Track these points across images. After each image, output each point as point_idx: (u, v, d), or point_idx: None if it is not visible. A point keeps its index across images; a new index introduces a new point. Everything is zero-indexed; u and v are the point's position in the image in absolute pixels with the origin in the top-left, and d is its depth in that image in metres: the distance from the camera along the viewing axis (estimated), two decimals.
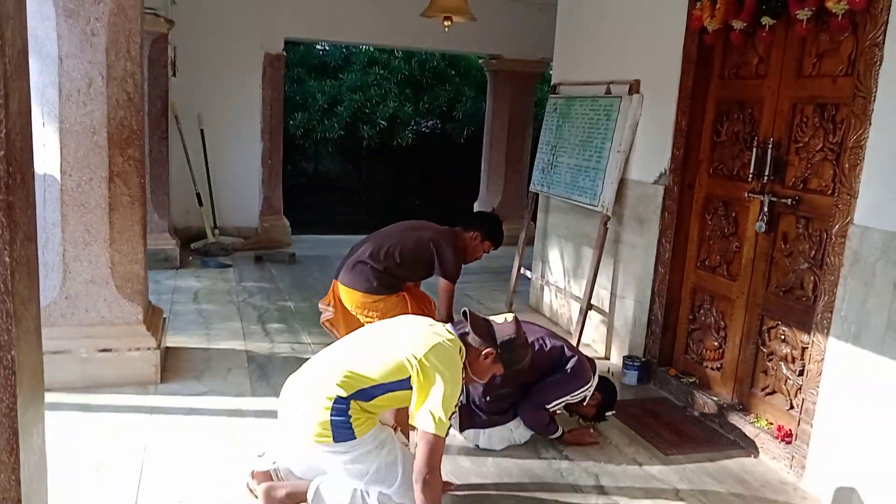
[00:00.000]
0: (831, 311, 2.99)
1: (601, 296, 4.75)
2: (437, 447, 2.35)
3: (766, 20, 3.39)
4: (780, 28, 3.40)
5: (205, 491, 2.80)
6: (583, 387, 3.29)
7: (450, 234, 3.98)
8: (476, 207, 9.10)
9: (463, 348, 2.55)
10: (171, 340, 4.46)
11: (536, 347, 3.31)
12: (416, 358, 2.40)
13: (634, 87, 4.44)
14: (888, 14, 2.81)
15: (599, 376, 3.42)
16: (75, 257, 3.74)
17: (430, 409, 2.36)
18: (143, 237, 3.93)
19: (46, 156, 3.59)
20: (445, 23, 3.64)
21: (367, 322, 3.79)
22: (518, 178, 8.60)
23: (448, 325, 2.65)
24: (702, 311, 4.02)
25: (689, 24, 3.93)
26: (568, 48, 5.43)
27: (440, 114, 11.83)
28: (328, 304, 4.06)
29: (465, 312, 2.66)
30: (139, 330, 3.89)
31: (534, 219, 5.87)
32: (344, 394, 2.38)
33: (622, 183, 4.53)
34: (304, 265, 7.01)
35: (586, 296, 4.65)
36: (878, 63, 2.84)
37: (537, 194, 5.66)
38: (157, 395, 3.69)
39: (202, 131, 7.35)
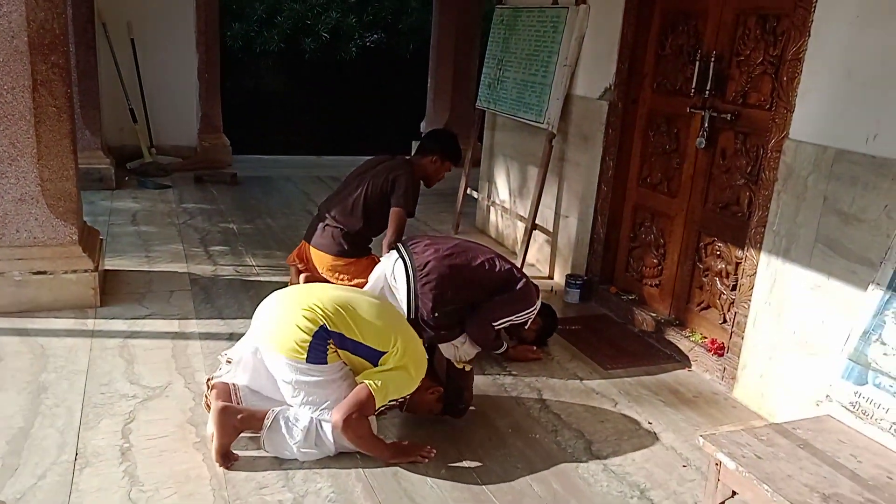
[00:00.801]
0: (764, 226, 3.08)
1: (546, 216, 4.79)
2: (368, 404, 2.45)
3: None
4: None
5: (150, 415, 2.79)
6: (528, 309, 3.35)
7: (403, 163, 3.94)
8: (423, 126, 8.97)
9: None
10: (110, 263, 4.35)
11: (486, 267, 3.34)
12: (400, 339, 2.56)
13: None
14: None
15: (542, 303, 3.49)
16: (2, 173, 3.57)
17: (383, 378, 2.48)
18: (73, 152, 3.76)
19: None
20: None
21: (337, 283, 3.81)
22: (466, 94, 8.45)
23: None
24: (643, 228, 4.10)
25: None
26: None
27: (385, 26, 11.44)
28: (295, 263, 4.03)
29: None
30: (75, 251, 3.78)
31: (480, 138, 5.82)
32: (330, 326, 2.46)
33: (568, 99, 4.50)
34: (246, 186, 6.85)
35: (531, 216, 4.68)
36: None
37: (484, 112, 5.59)
38: (98, 319, 3.62)
39: (132, 41, 6.96)
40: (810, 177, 2.87)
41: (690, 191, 3.72)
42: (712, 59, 3.46)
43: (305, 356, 2.44)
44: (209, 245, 4.99)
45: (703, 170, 3.62)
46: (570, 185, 4.59)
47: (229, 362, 2.73)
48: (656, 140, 3.96)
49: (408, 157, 4.07)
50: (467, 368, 2.88)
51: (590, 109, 4.33)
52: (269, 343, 2.53)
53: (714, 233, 3.58)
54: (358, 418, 2.45)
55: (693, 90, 3.57)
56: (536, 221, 4.72)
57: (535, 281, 3.53)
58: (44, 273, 3.68)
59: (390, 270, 3.33)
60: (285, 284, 4.14)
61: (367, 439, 2.52)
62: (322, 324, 2.46)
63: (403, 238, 3.63)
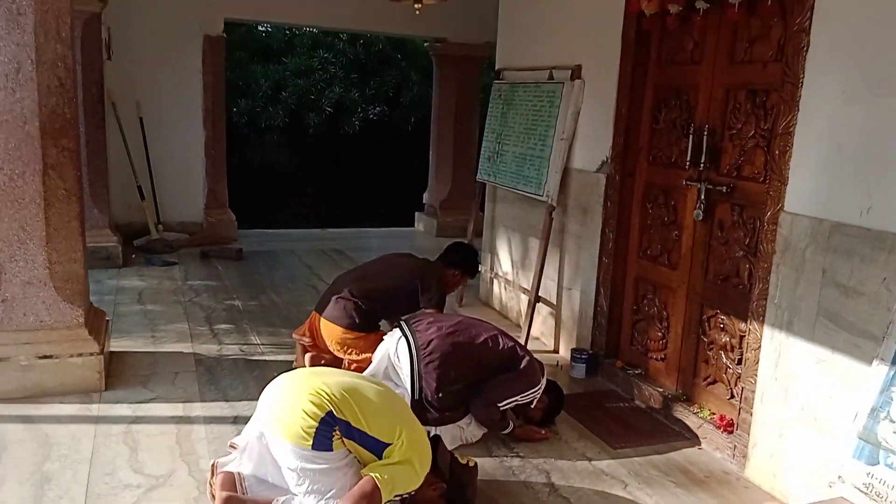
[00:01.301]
0: (765, 299, 3.09)
1: (549, 287, 4.81)
2: (374, 497, 2.41)
3: (700, 4, 3.45)
4: (713, 13, 3.47)
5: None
6: (533, 388, 3.34)
7: (432, 268, 4.16)
8: (426, 198, 9.10)
9: None
10: (116, 344, 4.36)
11: (490, 344, 3.35)
12: (408, 435, 2.55)
13: (576, 73, 4.47)
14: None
15: (547, 380, 3.48)
16: (10, 257, 3.61)
17: (390, 472, 2.45)
18: (81, 234, 3.81)
19: None
20: (416, 5, 3.61)
21: (345, 357, 3.84)
22: (466, 166, 8.58)
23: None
24: (645, 301, 4.11)
25: (628, 8, 3.97)
26: (511, 33, 5.44)
27: (387, 100, 11.76)
28: (303, 335, 4.06)
29: (434, 438, 2.84)
30: (81, 334, 3.78)
31: (482, 208, 5.90)
32: (336, 413, 2.45)
33: (566, 172, 4.58)
34: (251, 261, 6.91)
35: (534, 288, 4.70)
36: (805, 48, 2.91)
37: (484, 184, 5.69)
38: (102, 404, 3.60)
39: (141, 119, 7.14)
40: (808, 249, 2.90)
41: (690, 263, 3.74)
42: (705, 133, 3.53)
43: (311, 443, 2.41)
44: (214, 323, 5.01)
45: (702, 242, 3.65)
46: (572, 257, 4.62)
47: (234, 448, 2.72)
48: (654, 212, 4.01)
49: (438, 262, 4.27)
50: (471, 464, 2.84)
51: (588, 182, 4.40)
52: (274, 428, 2.51)
53: (716, 305, 3.59)
54: None
55: (688, 163, 3.64)
56: (539, 294, 4.73)
57: (540, 355, 3.53)
58: (50, 357, 3.68)
59: (394, 349, 3.34)
60: (290, 363, 4.17)
61: None
62: (329, 409, 2.44)
63: (406, 316, 3.65)
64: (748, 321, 3.23)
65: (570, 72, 4.48)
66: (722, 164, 3.50)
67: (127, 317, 5.01)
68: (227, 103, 8.14)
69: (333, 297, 3.95)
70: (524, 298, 5.02)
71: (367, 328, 3.88)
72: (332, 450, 2.45)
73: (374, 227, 9.77)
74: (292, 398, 2.51)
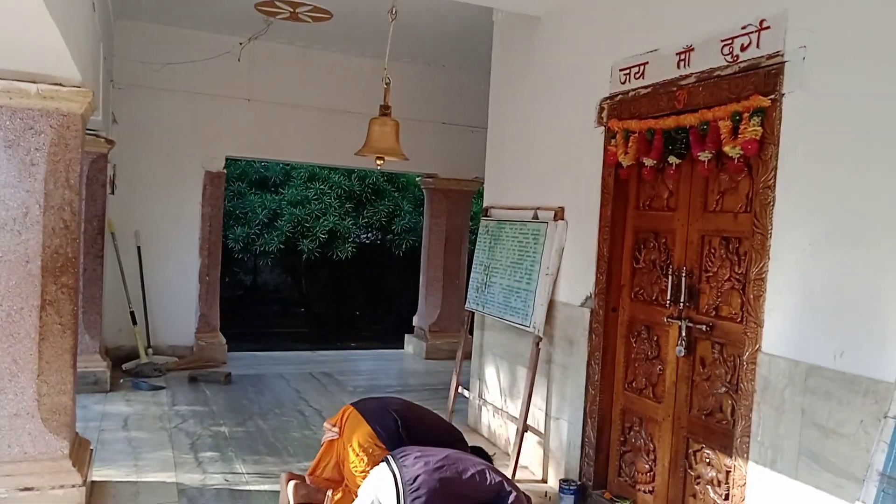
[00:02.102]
0: (748, 436, 3.15)
1: (536, 416, 4.84)
2: None
3: (672, 159, 3.71)
4: (685, 166, 3.73)
5: None
6: None
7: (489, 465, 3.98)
8: (416, 321, 9.20)
9: None
10: (98, 474, 4.30)
11: (477, 479, 3.33)
12: None
13: (559, 214, 4.71)
14: (777, 160, 3.13)
15: None
16: (1, 390, 3.64)
17: None
18: (73, 366, 3.86)
19: None
20: (378, 162, 3.87)
21: (352, 470, 3.69)
22: (456, 291, 8.78)
23: None
24: (632, 432, 4.14)
25: (606, 159, 4.26)
26: (498, 174, 5.75)
27: (379, 227, 12.10)
28: (334, 426, 3.93)
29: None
30: (64, 465, 3.76)
31: (471, 332, 6.00)
32: None
33: (552, 304, 4.73)
34: (240, 385, 6.89)
35: (522, 417, 4.72)
36: (772, 203, 3.14)
37: (473, 312, 5.82)
38: None
39: (139, 248, 7.33)
40: (786, 389, 2.99)
41: (675, 397, 3.81)
42: (683, 274, 3.71)
43: None
44: (199, 451, 4.95)
45: (685, 377, 3.74)
46: (559, 387, 4.68)
47: None
48: (638, 346, 4.12)
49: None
50: None
51: (573, 315, 4.53)
52: None
53: (702, 440, 3.63)
54: None
55: (668, 301, 3.79)
56: (528, 423, 4.75)
57: (528, 485, 3.52)
58: (31, 489, 3.64)
59: (381, 485, 3.31)
60: (275, 493, 4.10)
61: None
62: None
63: (394, 451, 3.63)
64: (733, 457, 3.27)
65: (553, 212, 4.72)
66: (701, 303, 3.66)
67: (111, 444, 4.95)
68: (224, 231, 8.38)
69: (379, 404, 3.81)
70: (512, 427, 5.02)
71: (389, 447, 3.75)
72: None
73: (365, 349, 9.81)
74: None
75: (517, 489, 3.41)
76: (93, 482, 4.11)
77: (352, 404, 3.91)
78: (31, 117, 3.63)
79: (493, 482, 3.34)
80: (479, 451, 3.91)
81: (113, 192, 6.92)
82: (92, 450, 4.29)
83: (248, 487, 4.32)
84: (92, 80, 4.08)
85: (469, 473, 3.34)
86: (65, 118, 3.71)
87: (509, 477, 3.78)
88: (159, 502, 4.02)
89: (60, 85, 3.62)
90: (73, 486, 3.72)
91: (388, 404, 3.84)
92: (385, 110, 3.69)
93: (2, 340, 3.62)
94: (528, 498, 3.43)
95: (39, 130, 3.66)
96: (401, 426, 3.75)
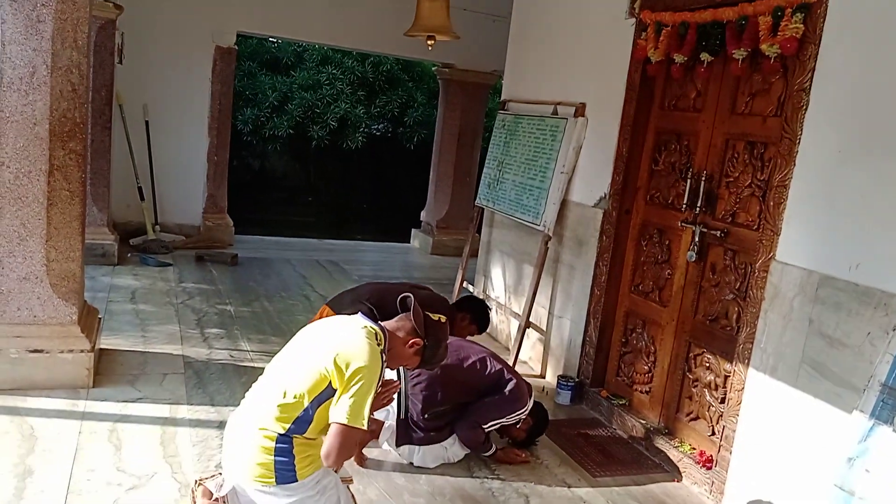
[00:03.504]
0: (752, 343, 3.16)
1: (539, 314, 4.87)
2: (348, 439, 2.27)
3: (704, 56, 3.54)
4: (717, 65, 3.56)
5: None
6: (519, 410, 3.38)
7: (446, 306, 3.98)
8: (423, 216, 9.17)
9: (381, 335, 2.49)
10: (106, 342, 4.38)
11: (478, 367, 3.39)
12: (331, 361, 2.32)
13: (580, 111, 4.56)
14: (815, 62, 2.98)
15: (534, 402, 3.52)
16: (9, 252, 3.64)
17: (346, 401, 2.27)
18: (81, 234, 3.85)
19: None
20: (429, 42, 3.65)
21: None
22: (465, 188, 8.70)
23: (362, 317, 2.56)
24: (634, 334, 4.17)
25: (634, 54, 4.07)
26: (518, 66, 5.54)
27: (391, 118, 11.86)
28: None
29: (405, 298, 2.62)
30: (73, 331, 3.81)
31: (479, 231, 5.97)
32: (282, 430, 2.30)
33: (564, 204, 4.66)
34: (246, 267, 6.94)
35: (525, 314, 4.75)
36: (805, 107, 3.01)
37: (483, 209, 5.76)
38: (89, 400, 3.62)
39: (147, 123, 7.20)
40: (796, 299, 2.97)
41: (681, 301, 3.80)
42: (703, 178, 3.61)
43: (274, 478, 2.31)
44: (205, 327, 5.03)
45: (694, 282, 3.72)
46: (565, 287, 4.68)
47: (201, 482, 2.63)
48: (648, 250, 4.08)
49: (452, 306, 4.13)
50: (442, 320, 2.71)
51: (585, 216, 4.48)
52: (238, 478, 2.39)
53: (703, 344, 3.65)
54: (344, 456, 2.32)
55: (684, 205, 3.72)
56: (530, 320, 4.79)
57: (527, 380, 3.57)
58: (40, 352, 3.70)
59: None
60: None
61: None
62: (278, 434, 2.30)
63: None
64: (733, 362, 3.29)
65: (574, 109, 4.57)
66: (717, 209, 3.58)
67: (119, 315, 5.02)
68: (233, 111, 8.21)
69: (349, 298, 3.86)
70: (515, 323, 5.07)
71: None
72: (296, 480, 2.33)
73: (371, 240, 9.84)
74: (245, 439, 2.37)
75: (517, 375, 3.48)
76: (101, 349, 4.19)
77: (327, 303, 3.95)
78: None
79: (492, 370, 3.40)
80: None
81: (121, 62, 6.71)
82: (100, 318, 4.36)
83: (252, 364, 4.41)
84: None
85: (470, 361, 3.39)
86: None
87: (510, 364, 3.84)
88: (166, 372, 4.11)
89: None
90: (82, 350, 3.78)
91: (360, 295, 3.85)
92: None
93: (10, 203, 3.58)
94: (529, 385, 3.50)
95: None
96: (378, 314, 3.80)
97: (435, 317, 2.69)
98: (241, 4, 7.37)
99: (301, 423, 2.33)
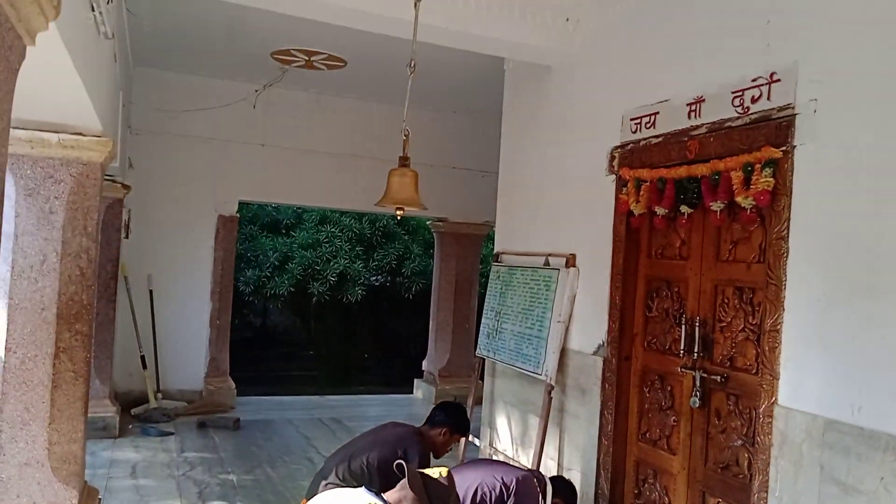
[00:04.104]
0: (766, 491, 3.09)
1: (549, 466, 4.76)
2: None
3: (684, 209, 3.72)
4: (697, 216, 3.74)
5: None
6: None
7: (413, 434, 3.97)
8: (425, 365, 9.14)
9: None
10: None
11: (478, 499, 3.32)
12: None
13: (571, 261, 4.71)
14: (789, 212, 3.14)
15: (552, 479, 3.50)
16: (12, 438, 3.63)
17: None
18: (84, 413, 3.86)
19: None
20: (398, 212, 3.90)
21: None
22: (465, 335, 8.74)
23: (367, 492, 2.55)
24: (646, 485, 4.07)
25: (617, 207, 4.27)
26: (509, 220, 5.77)
27: (389, 270, 12.13)
28: None
29: (398, 466, 2.61)
30: None
31: (481, 378, 5.95)
32: None
33: (564, 352, 4.69)
34: (249, 431, 6.83)
35: (534, 468, 4.65)
36: (786, 254, 3.13)
37: (484, 358, 5.78)
38: None
39: (151, 292, 7.36)
40: (804, 444, 2.94)
41: (690, 449, 3.75)
42: (696, 324, 3.68)
43: None
44: (207, 500, 4.90)
45: (700, 429, 3.69)
46: (572, 437, 4.61)
47: None
48: (652, 396, 4.07)
49: (418, 428, 4.12)
50: (444, 474, 2.65)
51: (585, 364, 4.50)
52: None
53: (718, 494, 3.56)
54: None
55: (682, 351, 3.76)
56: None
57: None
58: None
59: None
60: None
61: None
62: None
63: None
64: None
65: (564, 259, 4.72)
66: (715, 353, 3.62)
67: (119, 492, 4.90)
68: (235, 273, 8.41)
69: (322, 483, 3.85)
70: None
71: None
72: None
73: (374, 391, 9.75)
74: None
75: (520, 476, 3.49)
76: None
77: (305, 497, 3.86)
78: (52, 166, 3.70)
79: (493, 495, 3.35)
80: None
81: (127, 237, 6.98)
82: (100, 499, 4.26)
83: None
84: (111, 129, 4.16)
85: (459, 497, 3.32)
86: (85, 167, 3.77)
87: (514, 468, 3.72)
88: None
89: (81, 135, 3.69)
90: None
91: (325, 474, 3.81)
92: (404, 161, 3.73)
93: (15, 388, 3.62)
94: (539, 474, 3.57)
95: (59, 179, 3.72)
96: (350, 485, 3.77)
97: (435, 473, 2.67)
98: (243, 176, 7.77)
99: None
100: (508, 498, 3.34)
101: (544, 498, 3.40)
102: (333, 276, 11.17)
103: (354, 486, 3.73)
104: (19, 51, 1.81)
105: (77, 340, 3.76)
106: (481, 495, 3.33)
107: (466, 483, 3.42)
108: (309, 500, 3.87)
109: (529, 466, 4.78)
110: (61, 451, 3.72)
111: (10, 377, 3.62)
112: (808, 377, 2.97)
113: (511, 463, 4.11)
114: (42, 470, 3.67)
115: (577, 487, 4.45)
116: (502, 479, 3.44)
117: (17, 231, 3.67)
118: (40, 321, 3.66)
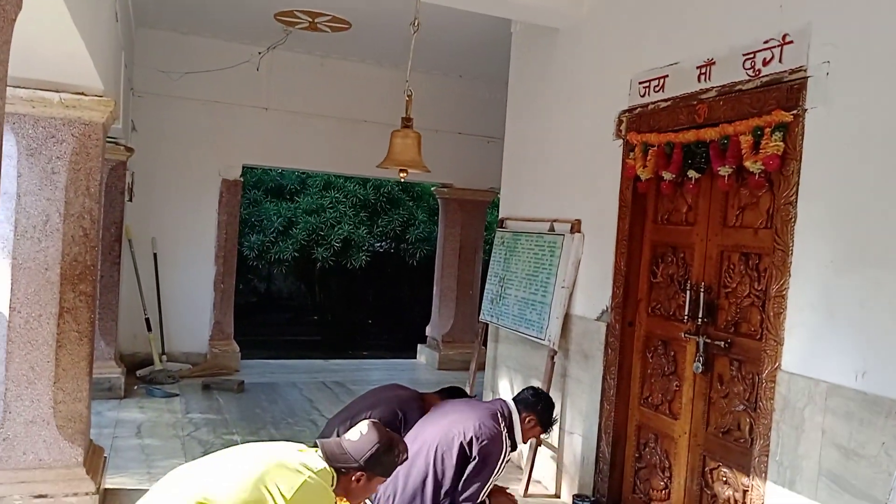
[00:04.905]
0: (767, 455, 3.10)
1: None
2: None
3: (692, 173, 3.68)
4: (705, 181, 3.70)
5: None
6: (499, 461, 3.38)
7: (416, 402, 3.97)
8: (428, 331, 9.18)
9: (334, 475, 2.49)
10: (111, 481, 4.31)
11: (436, 467, 3.39)
12: (283, 498, 2.29)
13: (576, 227, 4.69)
14: (798, 176, 3.10)
15: (518, 395, 3.68)
16: (17, 396, 3.66)
17: None
18: (89, 374, 3.88)
19: None
20: (401, 174, 3.88)
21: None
22: (469, 302, 8.76)
23: (318, 454, 2.56)
24: (647, 448, 4.10)
25: (624, 172, 4.23)
26: (514, 185, 5.73)
27: (394, 236, 12.11)
28: None
29: (315, 443, 2.63)
30: (78, 473, 3.77)
31: (484, 344, 5.97)
32: None
33: (567, 318, 4.69)
34: (253, 393, 6.89)
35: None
36: (793, 220, 3.10)
37: (487, 323, 5.79)
38: None
39: (155, 255, 7.37)
40: (806, 409, 2.94)
41: (692, 414, 3.77)
42: (701, 290, 3.67)
43: None
44: None
45: (703, 394, 3.70)
46: (574, 402, 4.64)
47: None
48: (655, 362, 4.08)
49: (421, 393, 4.13)
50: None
51: (589, 329, 4.50)
52: None
53: (719, 458, 3.58)
54: None
55: (686, 316, 3.75)
56: (541, 437, 4.70)
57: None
58: (44, 496, 3.65)
59: None
60: None
61: None
62: None
63: None
64: (751, 476, 3.22)
65: (570, 225, 4.70)
66: (719, 319, 3.61)
67: (124, 451, 4.96)
68: (239, 238, 8.41)
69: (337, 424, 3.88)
70: None
71: None
72: None
73: (378, 356, 9.81)
74: None
75: (480, 430, 3.48)
76: (106, 489, 4.12)
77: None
78: (54, 126, 3.67)
79: (454, 456, 3.41)
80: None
81: (131, 200, 6.96)
82: (105, 457, 4.30)
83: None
84: (113, 90, 4.11)
85: (425, 472, 3.40)
86: (86, 127, 3.74)
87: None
88: None
89: (83, 94, 3.65)
90: (87, 493, 3.72)
91: (326, 437, 3.83)
92: (407, 122, 3.69)
93: (20, 347, 3.64)
94: (496, 419, 3.57)
95: (61, 139, 3.69)
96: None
97: (354, 433, 2.67)
98: (247, 140, 7.71)
99: None
100: (472, 454, 3.37)
101: (509, 430, 3.42)
102: (338, 242, 11.16)
103: None
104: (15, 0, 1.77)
105: (81, 301, 3.77)
106: (440, 464, 3.38)
107: (427, 444, 3.44)
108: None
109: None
110: (66, 409, 3.75)
111: (15, 336, 3.63)
112: (813, 343, 2.96)
113: (475, 400, 4.08)
114: (48, 428, 3.70)
115: (579, 450, 4.50)
116: (463, 432, 3.44)
117: (20, 191, 3.65)
118: (44, 281, 3.66)
